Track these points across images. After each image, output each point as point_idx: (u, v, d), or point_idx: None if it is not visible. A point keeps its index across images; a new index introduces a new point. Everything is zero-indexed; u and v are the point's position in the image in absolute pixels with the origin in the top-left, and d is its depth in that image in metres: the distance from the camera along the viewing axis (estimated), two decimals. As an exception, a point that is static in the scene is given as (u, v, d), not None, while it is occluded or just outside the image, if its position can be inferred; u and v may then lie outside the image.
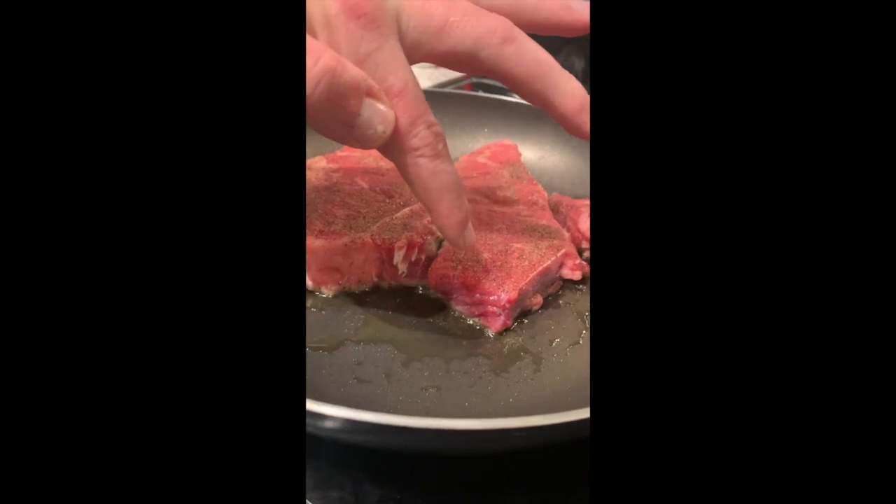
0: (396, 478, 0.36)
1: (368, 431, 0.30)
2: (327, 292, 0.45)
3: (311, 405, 0.28)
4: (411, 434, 0.29)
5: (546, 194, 0.55)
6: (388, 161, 0.54)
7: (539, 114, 0.65)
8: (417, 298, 0.46)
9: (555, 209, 0.55)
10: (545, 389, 0.39)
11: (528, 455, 0.37)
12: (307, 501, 0.35)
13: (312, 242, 0.43)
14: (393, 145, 0.34)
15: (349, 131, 0.32)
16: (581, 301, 0.47)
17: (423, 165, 0.34)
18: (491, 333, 0.43)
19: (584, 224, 0.52)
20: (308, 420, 0.29)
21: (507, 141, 0.64)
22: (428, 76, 1.02)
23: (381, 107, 0.32)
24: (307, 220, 0.45)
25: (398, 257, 0.45)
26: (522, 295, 0.43)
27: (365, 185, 0.51)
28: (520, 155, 0.61)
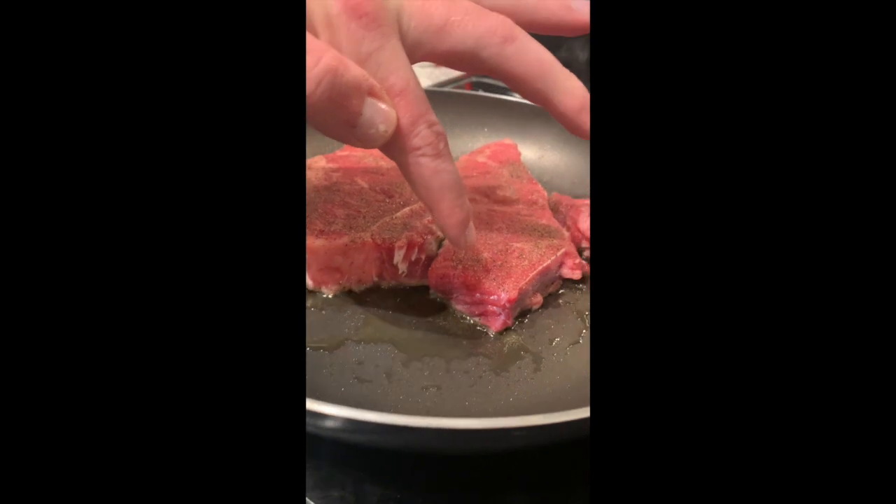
0: (397, 477, 0.36)
1: (369, 431, 0.30)
2: (328, 292, 0.45)
3: (312, 405, 0.28)
4: (412, 433, 0.29)
5: (546, 194, 0.55)
6: (387, 161, 0.55)
7: (539, 113, 0.66)
8: (418, 298, 0.46)
9: (554, 208, 0.55)
10: (545, 389, 0.39)
11: (529, 454, 0.37)
12: (309, 501, 0.35)
13: (313, 242, 0.43)
14: (394, 144, 0.34)
15: (351, 131, 0.32)
16: (581, 300, 0.47)
17: (425, 165, 0.34)
18: (491, 333, 0.43)
19: (584, 223, 0.52)
20: (309, 419, 0.29)
21: (507, 140, 0.64)
22: (427, 75, 1.02)
23: (383, 106, 0.32)
24: (307, 220, 0.45)
25: (398, 257, 0.45)
26: (522, 294, 0.43)
27: (365, 185, 0.51)
28: (519, 154, 0.61)
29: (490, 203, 0.52)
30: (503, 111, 0.69)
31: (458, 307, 0.44)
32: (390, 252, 0.45)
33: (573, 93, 0.37)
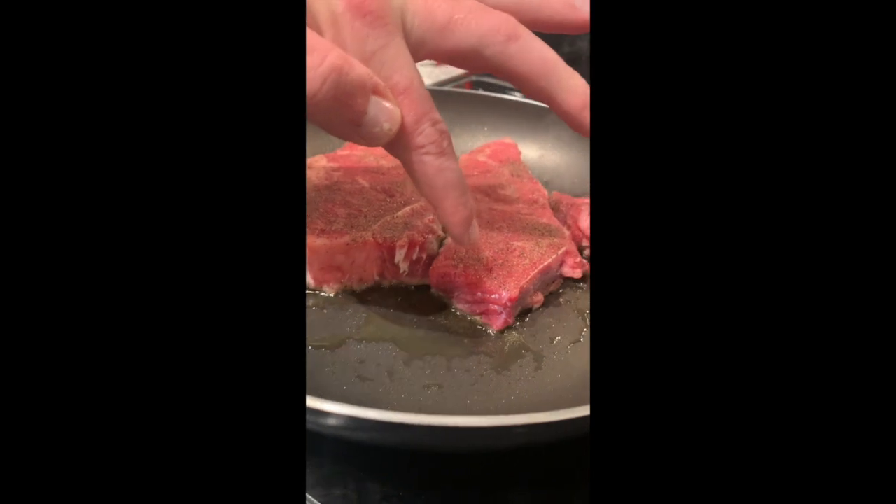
0: (398, 475, 0.36)
1: (371, 429, 0.30)
2: (329, 291, 0.45)
3: (314, 403, 0.28)
4: (413, 431, 0.29)
5: (546, 192, 0.56)
6: (389, 160, 0.55)
7: (539, 112, 0.66)
8: (419, 297, 0.46)
9: (555, 207, 0.55)
10: (546, 387, 0.39)
11: (530, 452, 0.38)
12: (311, 499, 0.35)
13: (314, 241, 0.43)
14: (398, 143, 0.34)
15: (356, 129, 0.32)
16: (581, 299, 0.47)
17: (429, 163, 0.34)
18: (492, 331, 0.43)
19: (585, 222, 0.52)
20: (311, 418, 0.29)
21: (507, 139, 0.64)
22: (428, 74, 1.02)
23: (387, 104, 0.32)
24: (308, 220, 0.45)
25: (399, 256, 0.45)
26: (523, 293, 0.43)
27: (366, 184, 0.51)
28: (520, 153, 0.61)
29: (490, 202, 0.52)
30: (503, 110, 0.69)
31: (460, 306, 0.44)
32: (391, 251, 0.45)
33: (577, 91, 0.37)
